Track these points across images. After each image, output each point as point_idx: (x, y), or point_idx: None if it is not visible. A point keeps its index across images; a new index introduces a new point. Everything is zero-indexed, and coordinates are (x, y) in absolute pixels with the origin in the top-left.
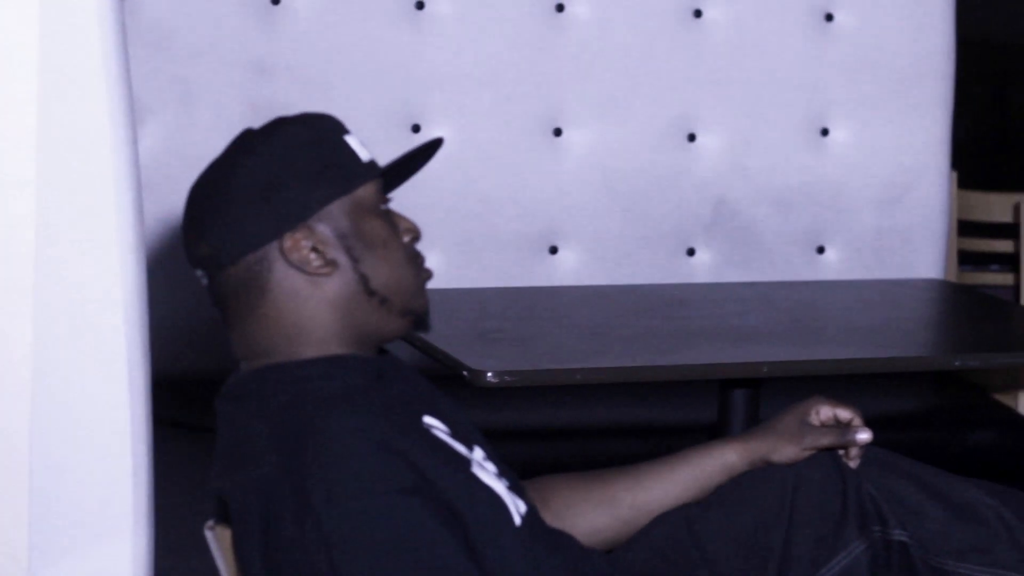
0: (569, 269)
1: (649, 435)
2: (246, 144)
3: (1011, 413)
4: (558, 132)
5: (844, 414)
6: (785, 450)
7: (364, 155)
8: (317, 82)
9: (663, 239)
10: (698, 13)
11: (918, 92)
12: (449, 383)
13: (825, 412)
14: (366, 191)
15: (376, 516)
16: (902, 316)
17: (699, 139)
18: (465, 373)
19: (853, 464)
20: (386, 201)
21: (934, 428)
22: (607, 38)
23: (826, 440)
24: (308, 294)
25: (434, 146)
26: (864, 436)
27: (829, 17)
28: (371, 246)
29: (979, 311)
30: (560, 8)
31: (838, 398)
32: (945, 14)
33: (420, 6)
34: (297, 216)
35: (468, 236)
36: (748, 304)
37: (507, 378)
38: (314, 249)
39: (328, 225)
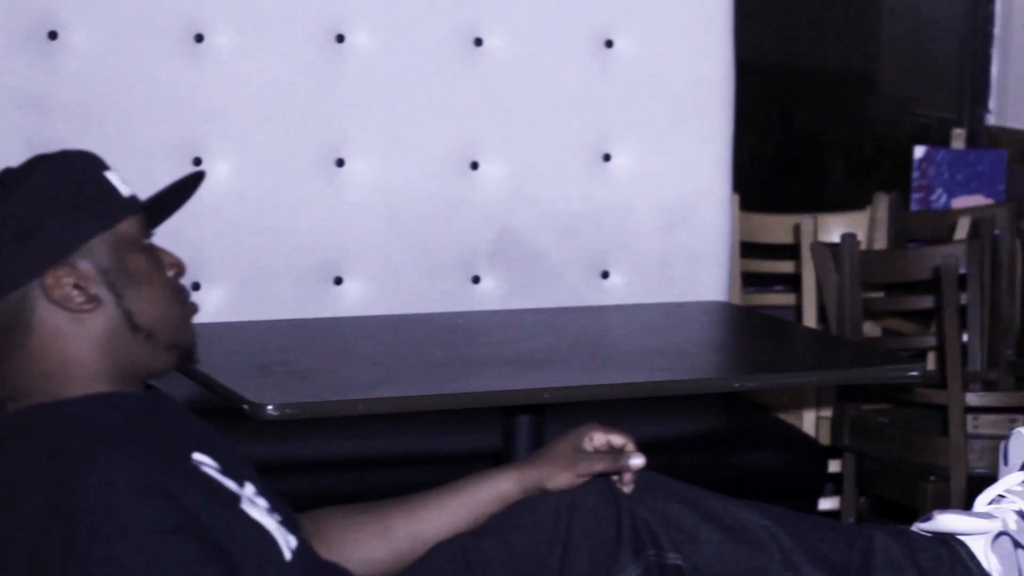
0: (354, 300)
1: (435, 464)
2: (3, 183)
3: (795, 432)
4: (340, 163)
5: (617, 440)
6: (559, 477)
7: (124, 190)
8: (96, 117)
9: (448, 267)
10: (479, 42)
11: (699, 116)
12: (230, 417)
13: (598, 438)
14: (127, 226)
15: (142, 556)
16: (685, 339)
17: (482, 167)
18: (245, 407)
19: (627, 489)
20: (148, 236)
21: (720, 449)
22: (388, 67)
23: (600, 466)
24: (72, 332)
25: (196, 179)
26: (637, 461)
27: (609, 43)
28: (134, 281)
29: (761, 332)
30: (340, 38)
31: (621, 423)
32: (723, 38)
33: (199, 39)
34: (58, 253)
35: (252, 269)
36: (533, 330)
37: (287, 411)
38: (76, 286)
39: (90, 261)
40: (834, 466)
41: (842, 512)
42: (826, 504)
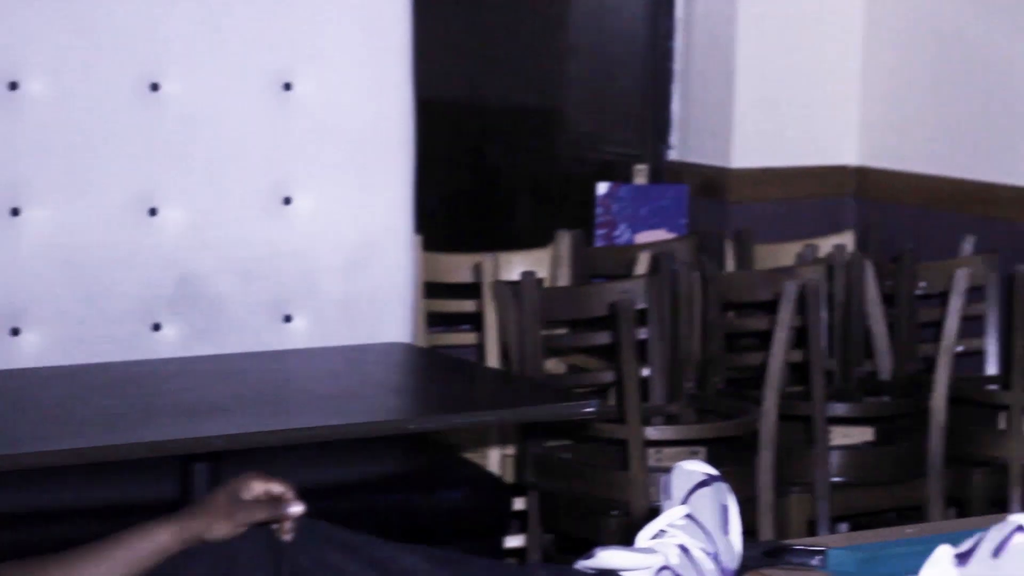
0: (32, 351)
1: (112, 516)
2: None
3: (479, 471)
4: (16, 212)
5: (276, 488)
6: (218, 527)
7: None
8: None
9: (127, 315)
10: (155, 87)
11: (379, 157)
12: None
13: (257, 487)
14: None
15: None
16: (367, 382)
17: (161, 213)
18: None
19: (287, 537)
20: None
21: (405, 490)
22: (63, 115)
23: (259, 515)
24: None
25: None
26: (296, 509)
27: (288, 86)
28: None
29: (442, 372)
30: (14, 86)
31: (304, 468)
32: (402, 78)
33: None
34: None
35: None
36: (213, 377)
37: None
38: None
39: None
40: (520, 503)
41: (528, 549)
42: (512, 542)
